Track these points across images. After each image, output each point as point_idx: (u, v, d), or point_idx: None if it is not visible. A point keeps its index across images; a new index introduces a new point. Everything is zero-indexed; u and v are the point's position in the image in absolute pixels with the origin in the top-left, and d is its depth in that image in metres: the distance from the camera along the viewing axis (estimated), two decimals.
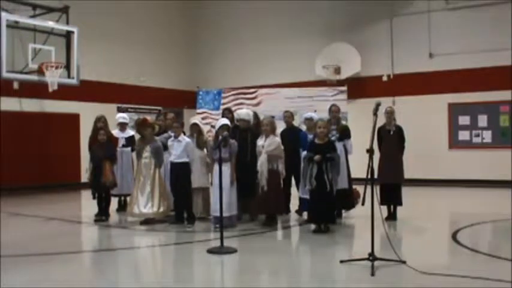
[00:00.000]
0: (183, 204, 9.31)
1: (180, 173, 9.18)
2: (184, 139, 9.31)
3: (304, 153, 8.93)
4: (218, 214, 8.36)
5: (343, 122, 10.12)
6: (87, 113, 14.43)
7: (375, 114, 6.42)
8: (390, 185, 9.42)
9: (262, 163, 8.89)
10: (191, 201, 9.41)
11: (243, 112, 10.05)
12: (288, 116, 10.44)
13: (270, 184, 8.87)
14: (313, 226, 8.62)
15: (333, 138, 9.01)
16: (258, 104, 13.36)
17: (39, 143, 15.43)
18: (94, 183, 10.00)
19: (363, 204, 6.12)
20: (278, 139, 9.09)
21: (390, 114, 9.63)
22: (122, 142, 10.90)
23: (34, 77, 12.92)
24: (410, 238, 8.62)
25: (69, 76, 13.54)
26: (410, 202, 10.00)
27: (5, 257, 6.81)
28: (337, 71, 17.02)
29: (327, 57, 17.33)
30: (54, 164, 15.67)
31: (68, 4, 13.96)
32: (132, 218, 9.69)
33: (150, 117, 11.02)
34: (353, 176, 9.69)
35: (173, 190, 9.39)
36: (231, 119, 9.83)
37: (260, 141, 9.05)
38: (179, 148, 9.21)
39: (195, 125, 9.65)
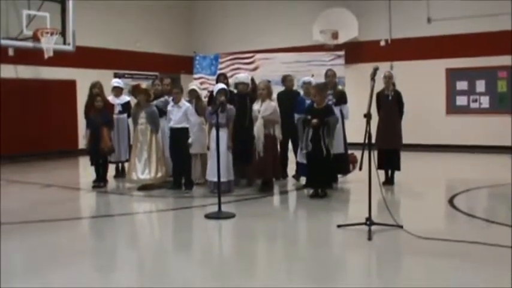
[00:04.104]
0: (182, 170, 9.31)
1: (179, 138, 9.10)
2: (185, 104, 9.22)
3: (297, 116, 8.86)
4: (214, 179, 8.43)
5: (340, 87, 10.03)
6: (84, 79, 14.28)
7: (373, 79, 6.41)
8: (388, 150, 9.42)
9: (258, 128, 8.86)
10: (190, 167, 9.41)
11: (243, 75, 10.01)
12: (290, 80, 10.36)
13: (267, 149, 8.86)
14: (310, 191, 8.66)
15: (329, 103, 8.95)
16: (255, 69, 13.25)
17: (36, 110, 15.34)
18: (92, 150, 9.99)
19: (360, 169, 6.15)
20: (274, 103, 9.04)
21: (389, 78, 9.56)
22: (118, 108, 10.83)
23: (29, 44, 12.77)
24: (407, 203, 8.67)
25: (64, 42, 13.38)
26: (408, 167, 10.01)
27: (4, 224, 6.83)
28: (335, 35, 16.87)
29: (324, 22, 17.14)
30: (51, 131, 15.61)
31: None
32: (130, 184, 9.73)
33: (146, 83, 10.92)
34: (351, 141, 9.67)
35: (172, 156, 9.37)
36: (226, 85, 9.74)
37: (256, 106, 9.01)
38: (178, 113, 9.11)
39: (193, 90, 9.58)
